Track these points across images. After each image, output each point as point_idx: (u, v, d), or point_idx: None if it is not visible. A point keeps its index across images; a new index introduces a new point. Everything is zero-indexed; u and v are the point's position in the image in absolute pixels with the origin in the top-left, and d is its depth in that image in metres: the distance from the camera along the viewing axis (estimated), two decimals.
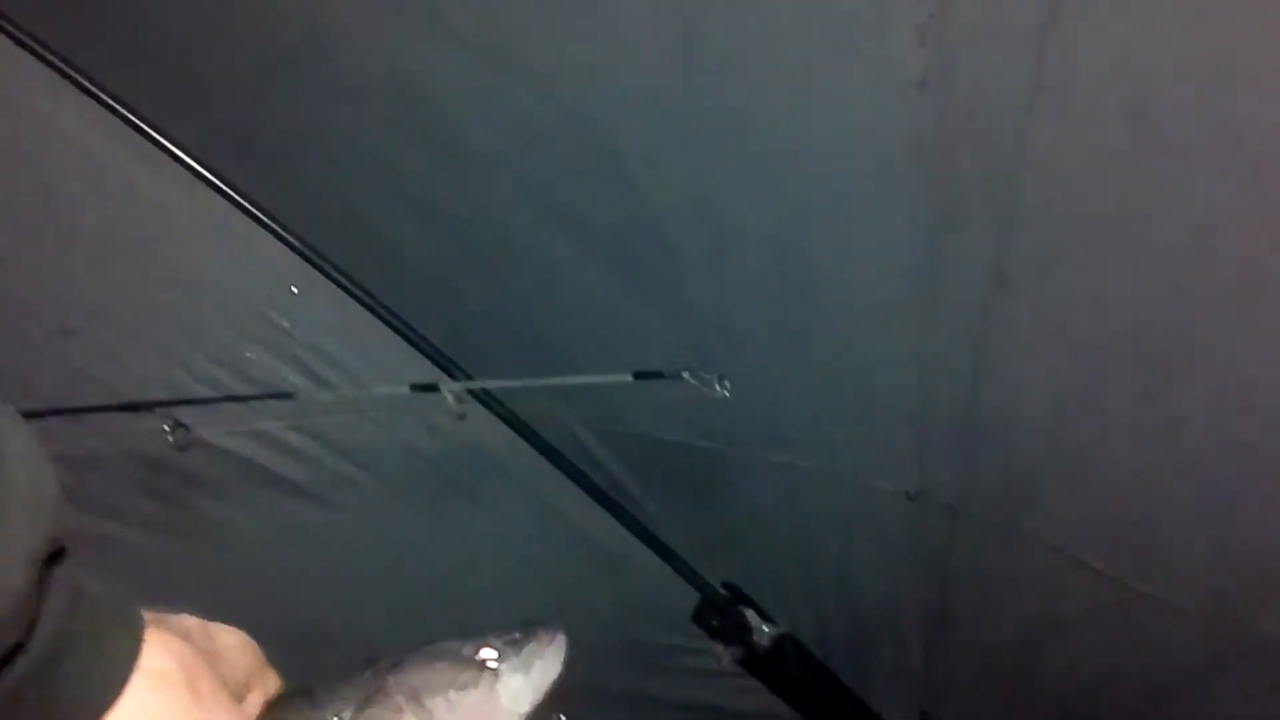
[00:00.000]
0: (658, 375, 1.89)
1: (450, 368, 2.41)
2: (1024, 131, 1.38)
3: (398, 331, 2.38)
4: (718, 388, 1.80)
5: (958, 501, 2.13)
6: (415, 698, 0.89)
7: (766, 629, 2.77)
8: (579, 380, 1.94)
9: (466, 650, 0.93)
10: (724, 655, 2.83)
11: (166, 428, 2.20)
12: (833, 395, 2.15)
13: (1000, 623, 2.29)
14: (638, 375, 1.92)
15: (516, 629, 0.97)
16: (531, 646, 0.96)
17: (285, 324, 2.36)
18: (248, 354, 2.31)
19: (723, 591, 2.77)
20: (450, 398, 1.98)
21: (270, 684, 0.91)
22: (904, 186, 1.59)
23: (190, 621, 0.84)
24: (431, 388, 2.07)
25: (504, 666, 0.93)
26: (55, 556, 0.68)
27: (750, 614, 2.77)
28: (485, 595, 2.73)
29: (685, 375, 1.82)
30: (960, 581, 2.29)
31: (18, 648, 0.65)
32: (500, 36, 1.68)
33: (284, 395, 2.22)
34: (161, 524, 2.45)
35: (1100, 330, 1.66)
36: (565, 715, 0.98)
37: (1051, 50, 1.27)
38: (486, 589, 2.72)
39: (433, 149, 1.95)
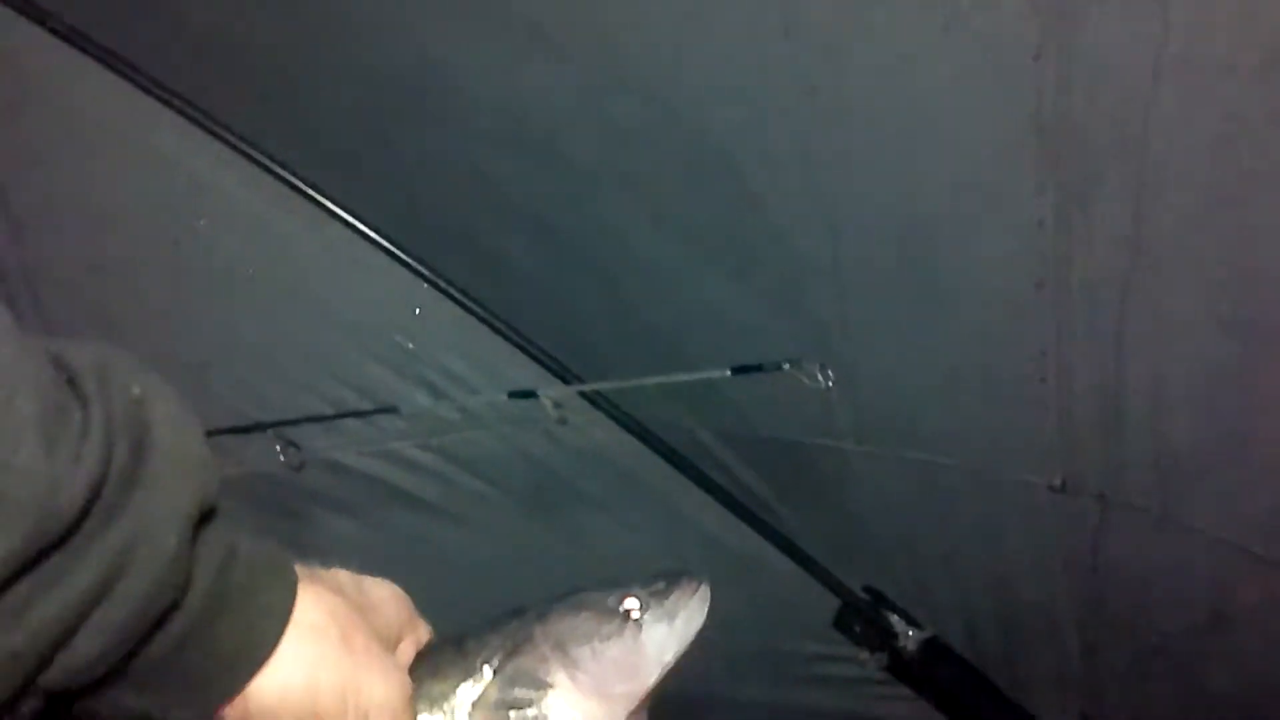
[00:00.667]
0: (756, 369, 1.89)
1: (565, 374, 2.45)
2: (1152, 96, 1.34)
3: (515, 344, 2.44)
4: (820, 378, 1.79)
5: (1109, 491, 2.05)
6: (561, 647, 0.92)
7: (912, 633, 2.72)
8: (678, 379, 1.94)
9: (611, 601, 0.95)
10: (870, 662, 2.79)
11: (279, 447, 2.29)
12: (966, 387, 2.11)
13: (1162, 619, 2.19)
14: (735, 370, 1.92)
15: (660, 579, 0.99)
16: (675, 597, 0.98)
17: (410, 345, 2.44)
18: (373, 374, 2.40)
19: (864, 596, 2.73)
20: (549, 403, 2.00)
21: (421, 633, 0.95)
22: (1029, 162, 1.55)
23: (343, 575, 0.87)
24: (529, 394, 2.10)
25: (648, 617, 0.95)
26: (207, 516, 0.71)
27: (895, 618, 2.72)
28: None
29: (786, 366, 1.81)
30: (1116, 577, 2.21)
31: (174, 606, 0.68)
32: (603, 47, 1.71)
33: (389, 410, 2.28)
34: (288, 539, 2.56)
35: (1249, 301, 1.58)
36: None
37: (1176, 8, 1.23)
38: None
39: (543, 163, 2.00)
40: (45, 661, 0.63)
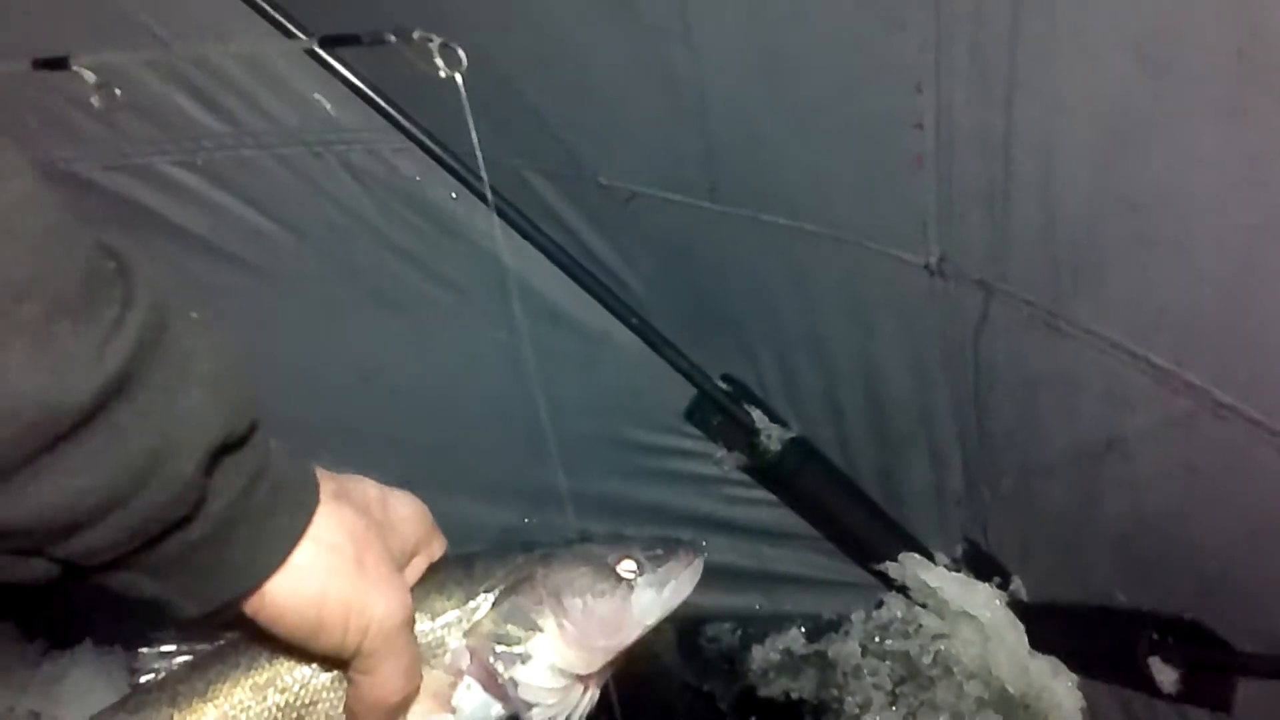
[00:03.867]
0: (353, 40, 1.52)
1: None
2: None
3: None
4: (439, 62, 1.40)
5: (990, 277, 1.71)
6: (556, 594, 1.02)
7: (776, 431, 2.44)
8: None
9: (611, 559, 1.05)
10: (726, 460, 2.53)
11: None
12: (830, 132, 1.74)
13: (1051, 438, 1.91)
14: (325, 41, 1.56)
15: (660, 545, 1.08)
16: (670, 566, 1.07)
17: None
18: None
19: (722, 385, 2.43)
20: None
21: (435, 548, 1.03)
22: None
23: (372, 492, 0.95)
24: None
25: (640, 580, 1.05)
26: (240, 440, 0.78)
27: (756, 413, 2.43)
28: (440, 384, 2.46)
29: (391, 38, 1.42)
30: (1001, 383, 1.90)
31: (191, 518, 0.76)
32: None
33: None
34: None
35: (1174, 30, 1.19)
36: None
37: None
38: (441, 377, 2.45)
39: None
40: (55, 538, 0.69)
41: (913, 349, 2.02)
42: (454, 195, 2.28)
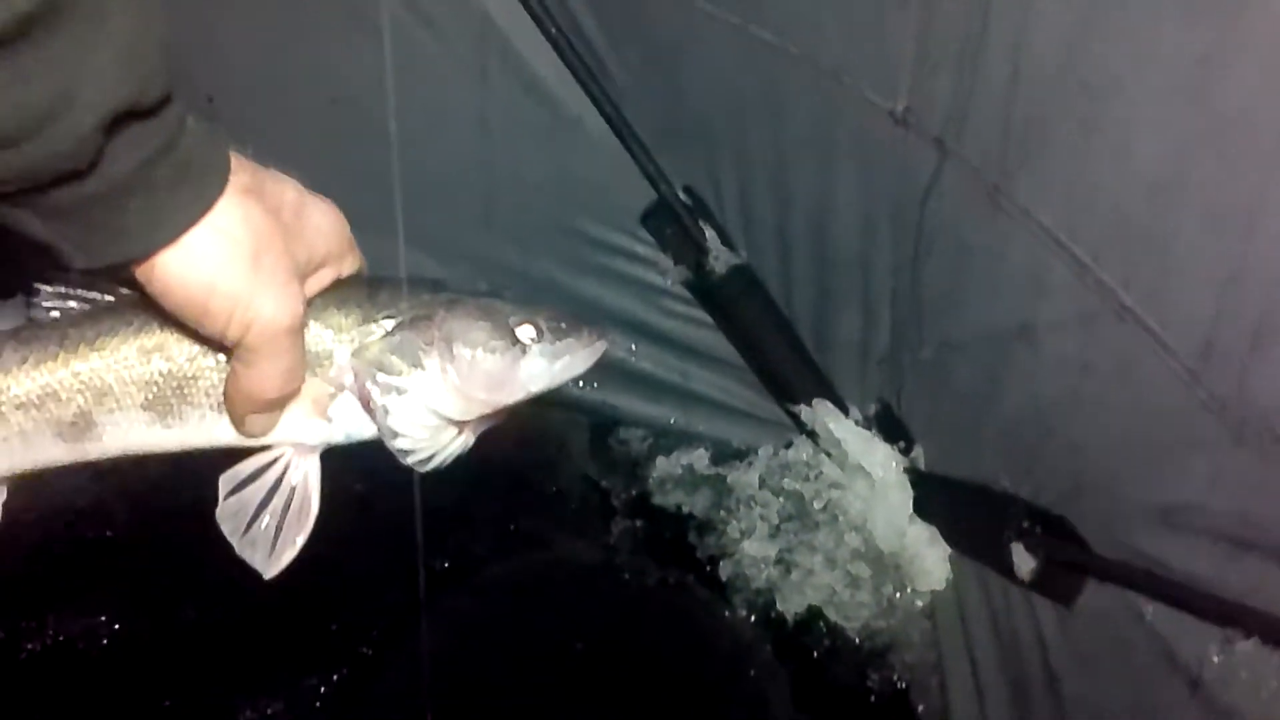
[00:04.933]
0: None
1: None
2: None
3: None
4: None
5: (948, 135, 1.71)
6: (448, 341, 1.03)
7: (725, 254, 2.46)
8: None
9: (513, 319, 1.05)
10: (672, 273, 2.56)
11: None
12: None
13: (972, 314, 1.95)
14: None
15: (567, 320, 1.08)
16: (569, 341, 1.07)
17: None
18: None
19: (683, 197, 2.44)
20: None
21: (348, 264, 1.04)
22: None
23: (289, 195, 0.94)
24: None
25: (535, 347, 1.06)
26: (157, 107, 0.78)
27: (710, 232, 2.45)
28: (406, 124, 2.44)
29: None
30: (938, 247, 1.93)
31: (78, 174, 0.76)
32: None
33: None
34: None
35: None
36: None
37: None
38: (407, 117, 2.42)
39: None
40: None
41: (866, 199, 2.04)
42: None
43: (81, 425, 1.00)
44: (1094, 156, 1.44)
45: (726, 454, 2.77)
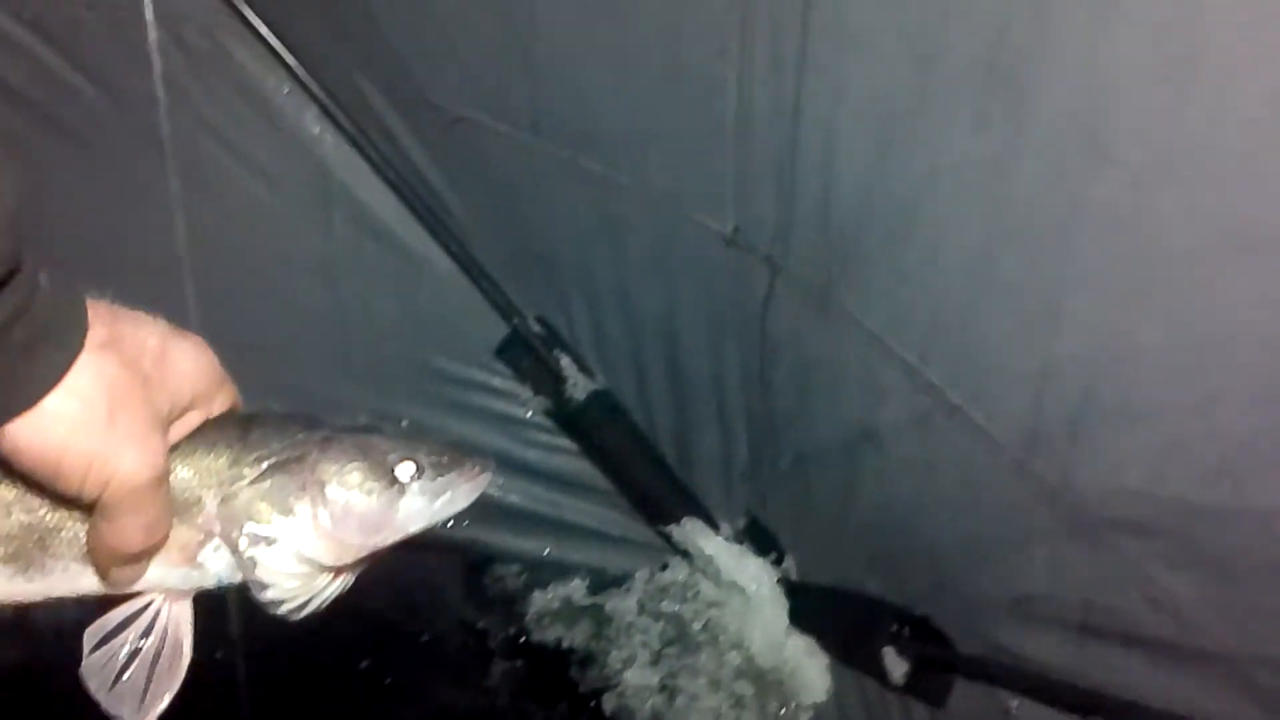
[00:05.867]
0: None
1: None
2: None
3: None
4: None
5: (777, 254, 1.77)
6: (320, 484, 0.99)
7: (583, 381, 2.48)
8: None
9: (392, 457, 1.01)
10: (532, 403, 2.56)
11: None
12: (648, 96, 1.77)
13: (822, 422, 1.98)
14: None
15: (449, 453, 1.04)
16: (450, 478, 1.04)
17: None
18: None
19: (536, 328, 2.46)
20: None
21: (219, 403, 1.00)
22: None
23: (151, 341, 0.92)
24: None
25: (415, 486, 1.02)
26: (2, 282, 0.77)
27: (565, 360, 2.47)
28: (251, 280, 2.43)
29: None
30: (782, 361, 1.97)
31: None
32: None
33: None
34: None
35: (940, 31, 1.24)
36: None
37: None
38: (253, 273, 2.42)
39: None
40: None
41: (711, 318, 2.08)
42: (286, 90, 2.25)
43: None
44: (907, 264, 1.50)
45: (603, 581, 2.74)
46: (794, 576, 2.42)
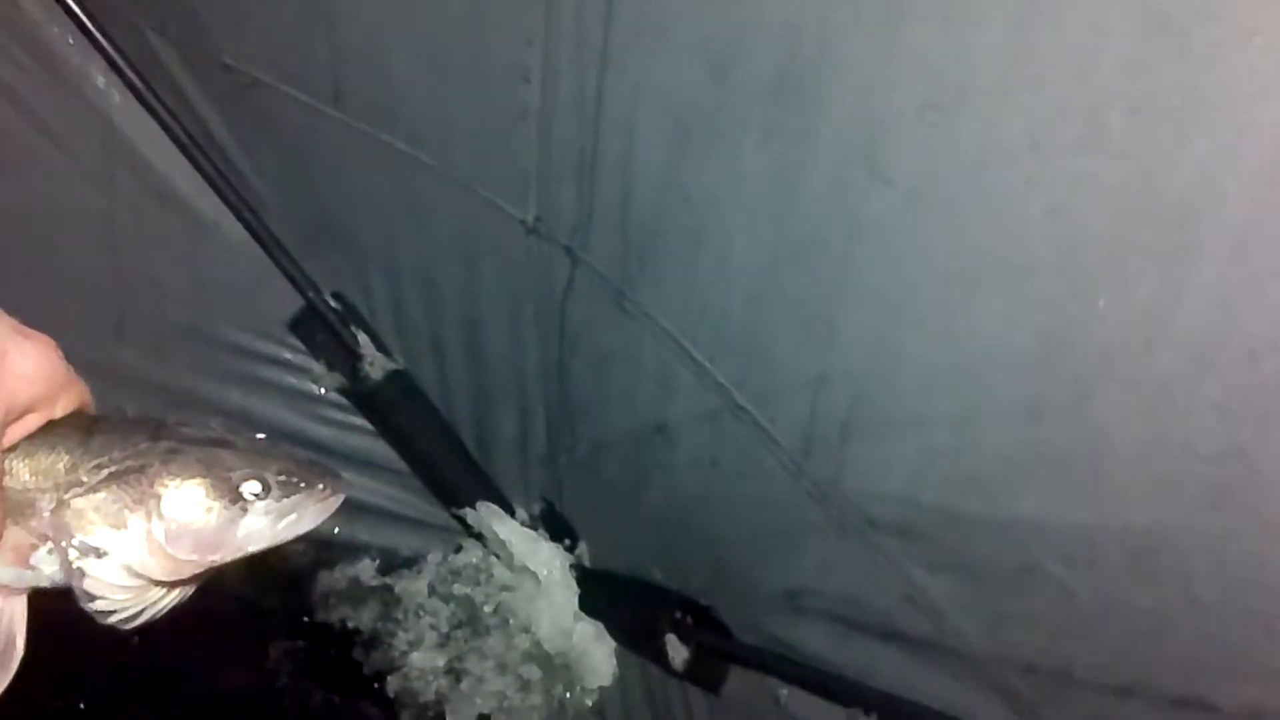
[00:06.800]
0: None
1: None
2: None
3: None
4: None
5: (576, 245, 1.77)
6: (159, 497, 0.96)
7: (379, 360, 2.43)
8: None
9: (237, 475, 0.98)
10: (325, 379, 2.50)
11: None
12: (455, 78, 1.74)
13: (616, 414, 2.01)
14: None
15: (302, 473, 1.01)
16: (297, 499, 1.01)
17: None
18: None
19: (332, 303, 2.40)
20: None
21: (61, 405, 0.97)
22: None
23: None
24: None
25: (259, 505, 0.99)
26: None
27: (363, 338, 2.42)
28: (25, 238, 2.28)
29: None
30: (580, 351, 1.98)
31: None
32: None
33: None
34: None
35: (735, 48, 1.27)
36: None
37: None
38: (27, 231, 2.27)
39: None
40: None
41: (511, 304, 2.07)
42: (71, 41, 2.12)
43: None
44: (700, 266, 1.53)
45: (394, 563, 2.70)
46: (586, 563, 2.44)
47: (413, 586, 2.66)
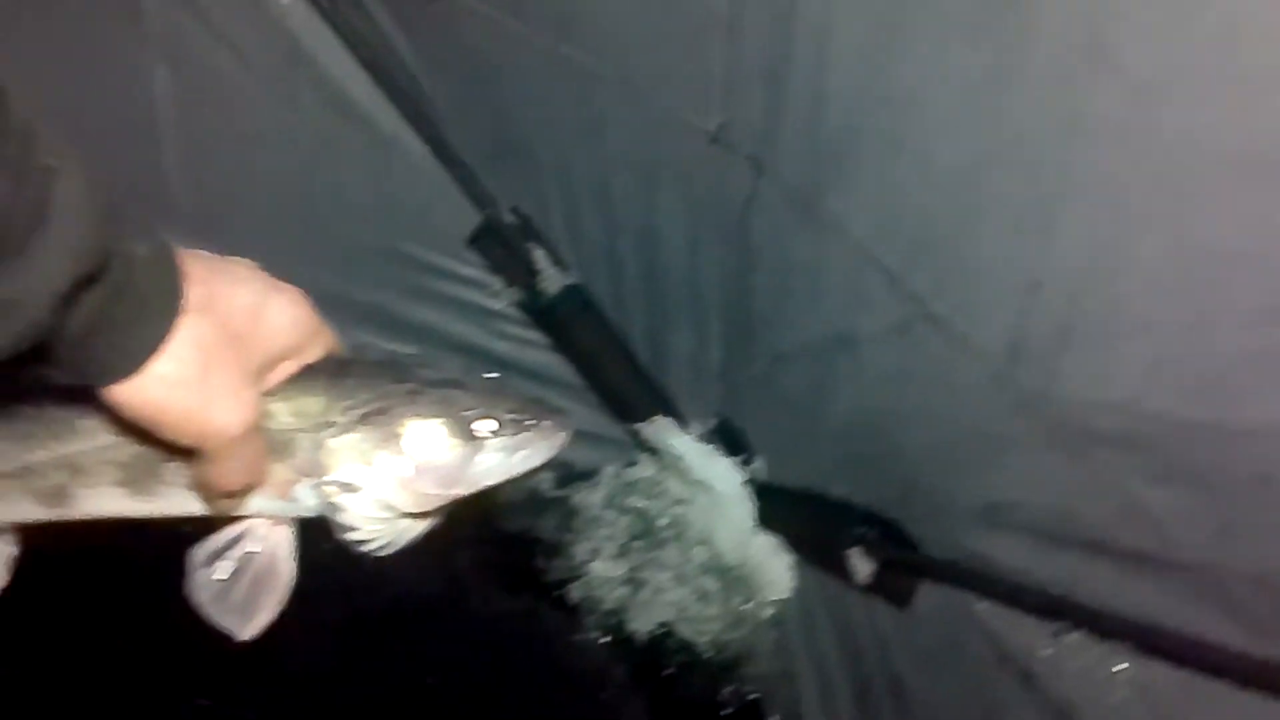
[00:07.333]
0: None
1: None
2: None
3: None
4: None
5: (762, 154, 1.73)
6: (404, 436, 1.04)
7: (556, 273, 2.45)
8: None
9: (471, 414, 1.05)
10: (503, 294, 2.53)
11: None
12: None
13: (798, 326, 1.98)
14: None
15: (531, 411, 1.07)
16: (528, 436, 1.07)
17: None
18: None
19: (510, 218, 2.42)
20: None
21: (312, 352, 1.05)
22: None
23: (244, 300, 0.96)
24: None
25: (492, 443, 1.05)
26: (99, 273, 0.83)
27: (539, 252, 2.44)
28: (212, 152, 2.35)
29: None
30: (761, 263, 1.95)
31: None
32: None
33: None
34: None
35: None
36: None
37: None
38: (214, 144, 2.34)
39: None
40: None
41: (690, 216, 2.05)
42: None
43: (59, 496, 1.07)
44: (898, 169, 1.48)
45: (571, 476, 2.75)
46: (762, 477, 2.44)
47: (589, 499, 2.71)
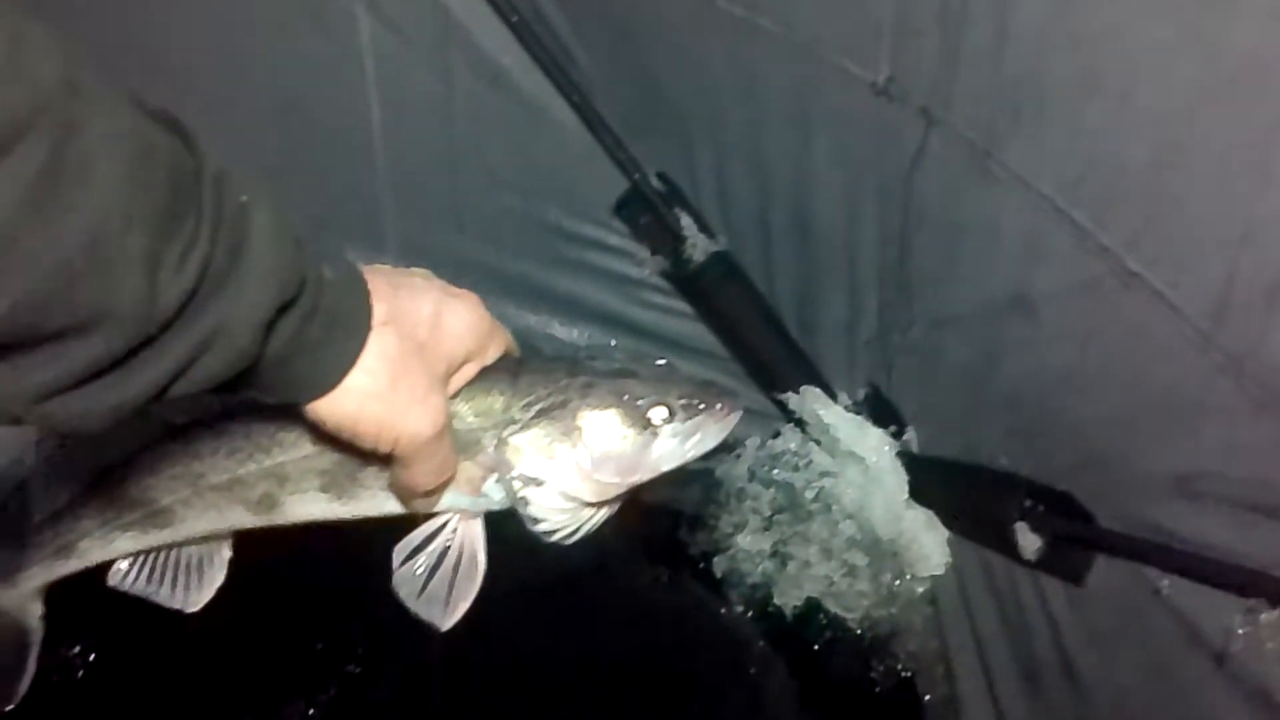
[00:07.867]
0: None
1: None
2: None
3: None
4: None
5: (934, 104, 1.65)
6: (583, 429, 1.08)
7: (703, 241, 2.39)
8: None
9: (645, 401, 1.09)
10: (649, 263, 2.49)
11: None
12: None
13: (965, 288, 1.89)
14: None
15: (701, 394, 1.12)
16: (700, 419, 1.12)
17: None
18: None
19: (657, 184, 2.37)
20: None
21: (491, 353, 1.12)
22: None
23: (426, 309, 1.02)
24: None
25: (667, 429, 1.10)
26: (295, 298, 0.88)
27: (686, 219, 2.38)
28: (362, 126, 2.35)
29: None
30: (927, 223, 1.87)
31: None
32: None
33: None
34: None
35: None
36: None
37: None
38: (364, 118, 2.34)
39: None
40: (143, 402, 0.81)
41: (849, 176, 1.97)
42: None
43: (267, 503, 1.16)
44: (1092, 115, 1.38)
45: (714, 448, 2.70)
46: (915, 449, 2.36)
47: (733, 471, 2.65)
